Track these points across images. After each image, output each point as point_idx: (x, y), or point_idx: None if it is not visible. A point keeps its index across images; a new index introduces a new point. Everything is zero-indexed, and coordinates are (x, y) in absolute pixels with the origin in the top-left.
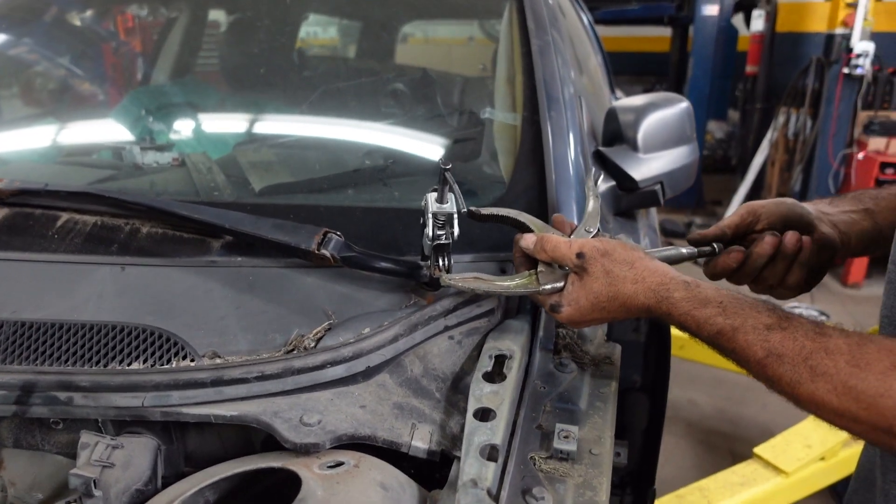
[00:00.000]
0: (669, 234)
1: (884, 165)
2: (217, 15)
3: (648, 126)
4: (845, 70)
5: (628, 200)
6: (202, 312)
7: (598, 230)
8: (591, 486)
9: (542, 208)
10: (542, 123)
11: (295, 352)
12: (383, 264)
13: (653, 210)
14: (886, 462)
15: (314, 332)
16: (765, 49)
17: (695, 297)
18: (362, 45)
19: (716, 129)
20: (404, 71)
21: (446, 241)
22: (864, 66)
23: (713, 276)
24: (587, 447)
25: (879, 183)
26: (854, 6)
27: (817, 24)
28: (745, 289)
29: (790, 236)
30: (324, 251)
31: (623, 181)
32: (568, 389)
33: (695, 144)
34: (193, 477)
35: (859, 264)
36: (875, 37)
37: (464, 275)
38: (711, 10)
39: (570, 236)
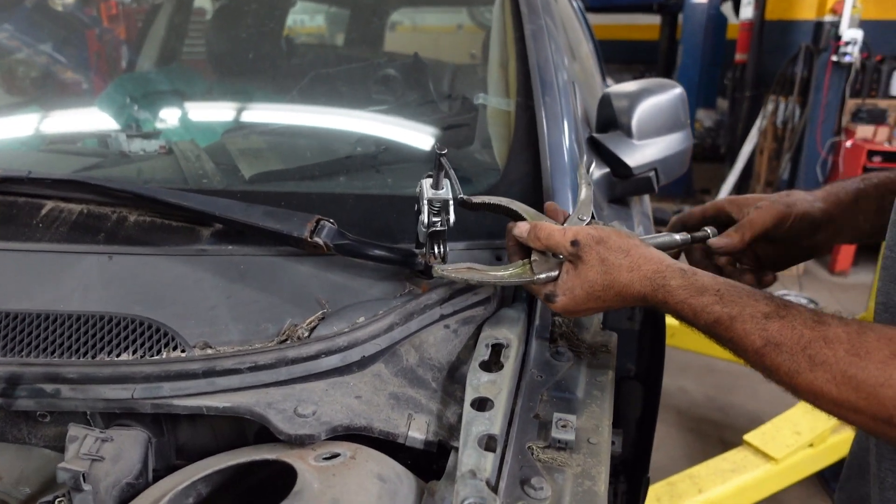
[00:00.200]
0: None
1: (871, 153)
2: (202, 2)
3: (642, 112)
4: (834, 58)
5: (622, 187)
6: (192, 302)
7: (592, 217)
8: (589, 476)
9: (537, 195)
10: (536, 109)
11: (288, 341)
12: (377, 252)
13: (646, 197)
14: (881, 449)
15: (308, 321)
16: (754, 37)
17: (691, 285)
18: (350, 34)
19: (705, 117)
20: (395, 57)
21: (442, 228)
22: (853, 54)
23: (718, 251)
24: (585, 436)
25: (867, 171)
26: None
27: (806, 12)
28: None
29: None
30: (317, 239)
31: (617, 168)
32: (565, 378)
33: (688, 131)
34: (185, 470)
35: (846, 252)
36: (863, 24)
37: (457, 265)
38: None
39: (563, 224)
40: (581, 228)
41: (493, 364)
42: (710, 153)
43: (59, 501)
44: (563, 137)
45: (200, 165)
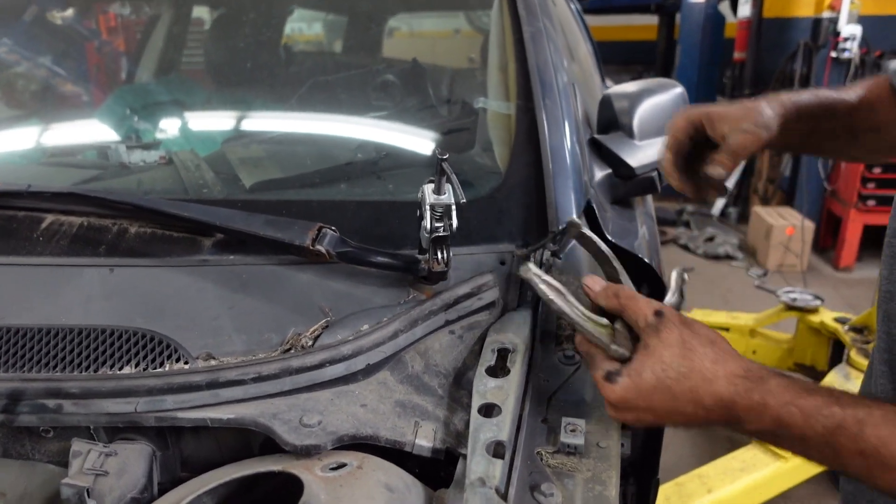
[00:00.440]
0: (661, 222)
1: None
2: (201, 12)
3: (644, 112)
4: (833, 54)
5: (625, 188)
6: (195, 313)
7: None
8: (600, 481)
9: (540, 198)
10: (536, 112)
11: (292, 351)
12: (380, 259)
13: (649, 197)
14: None
15: (311, 330)
16: (752, 35)
17: (796, 383)
18: (348, 40)
19: None
20: (393, 64)
21: (445, 234)
22: (852, 50)
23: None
24: (594, 440)
25: (869, 166)
26: None
27: (804, 9)
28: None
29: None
30: (319, 247)
31: (619, 168)
32: (572, 382)
33: None
34: (190, 483)
35: (850, 248)
36: (862, 20)
37: (548, 279)
38: None
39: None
40: (667, 305)
41: (499, 369)
42: None
43: None
44: (564, 139)
45: (200, 175)
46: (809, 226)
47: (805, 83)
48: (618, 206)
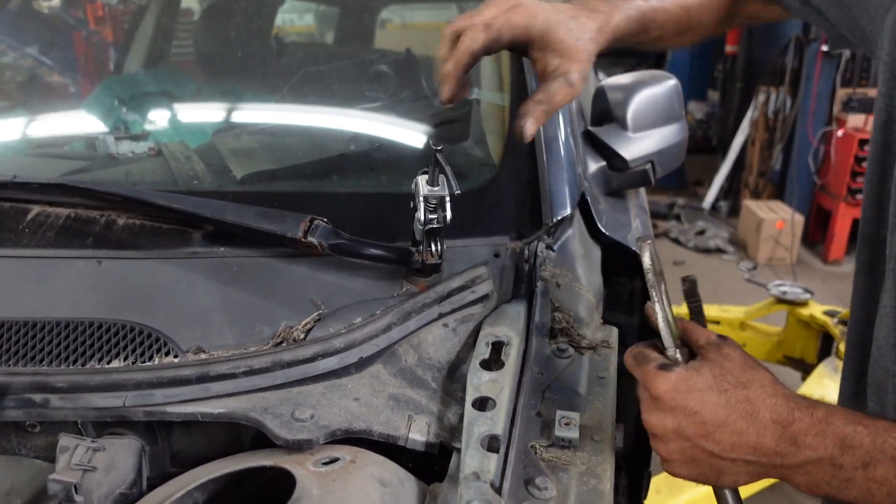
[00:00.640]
0: (652, 215)
1: (862, 142)
2: (190, 2)
3: (638, 104)
4: (824, 48)
5: (619, 180)
6: (185, 306)
7: None
8: (594, 474)
9: (534, 190)
10: None
11: (284, 344)
12: (373, 251)
13: (642, 190)
14: None
15: (303, 323)
16: (744, 28)
17: (855, 412)
18: (340, 31)
19: (696, 109)
20: (386, 54)
21: (438, 226)
22: None
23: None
24: (589, 434)
25: (858, 160)
26: None
27: None
28: None
29: None
30: (311, 239)
31: (613, 161)
32: (566, 375)
33: (684, 122)
34: (180, 478)
35: (839, 241)
36: None
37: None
38: None
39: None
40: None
41: (493, 362)
42: (701, 145)
43: None
44: (558, 131)
45: (191, 166)
46: (799, 219)
47: (796, 77)
48: (611, 198)
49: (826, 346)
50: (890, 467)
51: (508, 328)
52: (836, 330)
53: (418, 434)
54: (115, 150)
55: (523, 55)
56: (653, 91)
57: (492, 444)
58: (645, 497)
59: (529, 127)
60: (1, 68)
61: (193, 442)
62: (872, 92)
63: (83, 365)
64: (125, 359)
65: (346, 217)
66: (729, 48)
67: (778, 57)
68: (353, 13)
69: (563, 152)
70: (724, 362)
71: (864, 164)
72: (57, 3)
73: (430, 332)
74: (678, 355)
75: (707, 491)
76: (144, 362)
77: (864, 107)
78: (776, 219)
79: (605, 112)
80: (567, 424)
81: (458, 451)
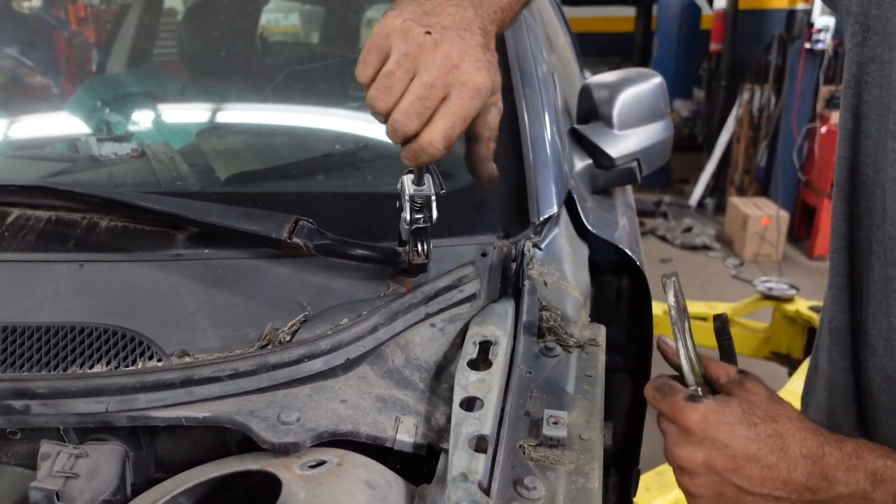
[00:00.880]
0: (639, 213)
1: None
2: (173, 2)
3: (623, 102)
4: (807, 45)
5: (605, 178)
6: (168, 309)
7: None
8: (582, 473)
9: (521, 188)
10: (516, 101)
11: (269, 346)
12: (359, 251)
13: (628, 188)
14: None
15: (289, 325)
16: (728, 26)
17: (882, 446)
18: (326, 31)
19: (682, 107)
20: None
21: (425, 225)
22: (825, 41)
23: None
24: (577, 432)
25: None
26: None
27: (779, 1)
28: None
29: None
30: (296, 240)
31: (600, 159)
32: (554, 374)
33: (669, 120)
34: (165, 484)
35: (824, 238)
36: None
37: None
38: None
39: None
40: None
41: (481, 362)
42: (687, 143)
43: None
44: (544, 129)
45: (174, 168)
46: (784, 216)
47: (780, 74)
48: (598, 196)
49: (812, 341)
50: None
51: (496, 327)
52: None
53: (406, 435)
54: (97, 151)
55: None
56: (638, 89)
57: (480, 444)
58: (634, 495)
59: (494, 168)
60: None
61: (178, 447)
62: None
63: (65, 370)
64: (108, 363)
65: (332, 217)
66: (713, 46)
67: (762, 55)
68: (339, 13)
69: (549, 150)
70: (750, 396)
71: None
72: (37, 4)
73: (418, 333)
74: (700, 392)
75: None
76: (127, 367)
77: None
78: (762, 215)
79: (591, 110)
80: (555, 423)
81: (446, 451)
